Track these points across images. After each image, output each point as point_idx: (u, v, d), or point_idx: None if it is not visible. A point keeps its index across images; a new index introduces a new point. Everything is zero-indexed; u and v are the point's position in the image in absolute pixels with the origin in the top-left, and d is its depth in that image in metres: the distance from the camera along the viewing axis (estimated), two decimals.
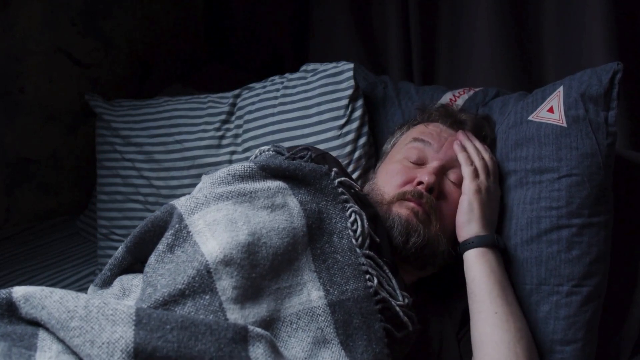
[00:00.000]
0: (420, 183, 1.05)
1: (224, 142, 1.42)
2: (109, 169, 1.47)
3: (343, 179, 1.00)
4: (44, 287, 0.72)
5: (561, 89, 1.12)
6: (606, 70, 1.08)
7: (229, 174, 0.95)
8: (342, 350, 0.80)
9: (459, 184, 1.09)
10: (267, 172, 0.96)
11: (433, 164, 1.08)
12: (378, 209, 1.05)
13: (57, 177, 1.72)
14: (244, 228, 0.85)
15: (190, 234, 0.85)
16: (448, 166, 1.10)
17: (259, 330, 0.74)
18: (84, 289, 1.39)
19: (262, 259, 0.83)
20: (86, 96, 1.54)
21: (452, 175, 1.09)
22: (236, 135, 1.42)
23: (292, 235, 0.88)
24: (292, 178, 0.96)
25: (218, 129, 1.42)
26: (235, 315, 0.77)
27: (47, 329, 0.71)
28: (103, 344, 0.66)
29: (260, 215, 0.89)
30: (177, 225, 0.86)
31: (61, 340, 0.70)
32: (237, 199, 0.90)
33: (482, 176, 1.07)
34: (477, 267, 1.00)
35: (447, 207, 1.06)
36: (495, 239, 1.03)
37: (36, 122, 1.64)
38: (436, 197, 1.06)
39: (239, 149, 1.40)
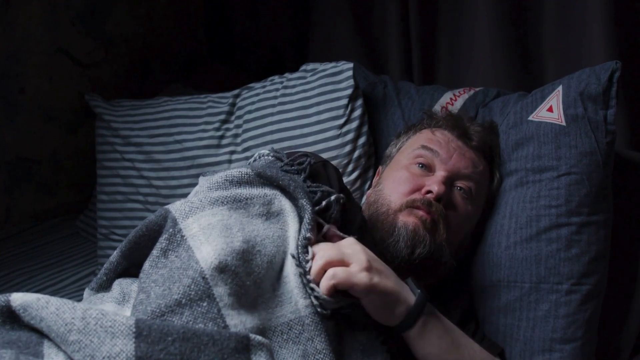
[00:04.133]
0: (428, 192, 1.03)
1: (224, 142, 1.42)
2: (109, 169, 1.47)
3: (322, 206, 0.93)
4: (40, 297, 0.70)
5: (560, 88, 1.12)
6: (605, 69, 1.08)
7: (227, 180, 0.93)
8: None
9: (466, 195, 1.08)
10: (263, 179, 0.95)
11: (442, 174, 1.06)
12: (383, 220, 1.03)
13: (57, 177, 1.73)
14: (239, 235, 0.83)
15: (184, 238, 0.83)
16: (455, 177, 1.08)
17: (260, 338, 0.73)
18: (83, 289, 1.39)
19: (257, 266, 0.82)
20: (86, 96, 1.55)
21: (459, 186, 1.08)
22: (236, 135, 1.42)
23: (288, 242, 0.87)
24: (283, 190, 0.95)
25: (218, 129, 1.42)
26: (234, 321, 0.75)
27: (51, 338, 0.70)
28: (103, 358, 0.65)
29: (254, 222, 0.87)
30: (171, 230, 0.84)
31: None
32: (233, 204, 0.88)
33: (366, 269, 0.84)
34: (425, 343, 0.88)
35: (454, 217, 1.05)
36: (422, 298, 0.86)
37: (36, 122, 1.64)
38: (444, 206, 1.04)
39: (239, 148, 1.40)
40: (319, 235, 0.90)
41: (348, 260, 0.83)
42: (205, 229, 0.83)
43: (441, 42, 1.67)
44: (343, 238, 0.90)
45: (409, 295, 0.86)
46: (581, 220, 1.03)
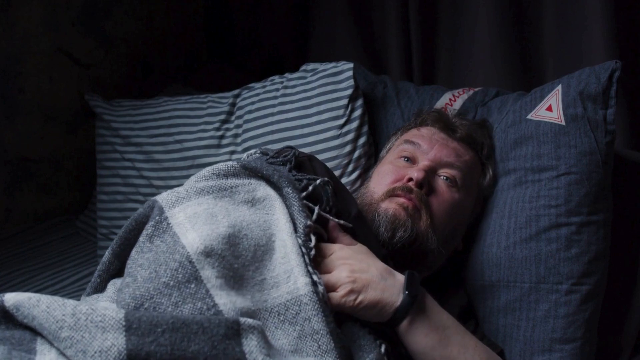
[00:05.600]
0: (410, 180, 1.05)
1: (224, 142, 1.42)
2: (109, 169, 1.47)
3: (309, 190, 0.95)
4: (31, 295, 0.71)
5: (559, 87, 1.12)
6: (604, 69, 1.08)
7: (213, 173, 0.95)
8: (332, 342, 0.78)
9: (451, 183, 1.09)
10: (249, 171, 0.96)
11: (424, 163, 1.09)
12: (367, 210, 1.05)
13: (57, 177, 1.73)
14: (224, 221, 0.85)
15: (170, 225, 0.84)
16: (438, 166, 1.10)
17: (250, 321, 0.73)
18: (83, 289, 1.39)
19: (244, 250, 0.83)
20: (86, 96, 1.55)
21: (443, 175, 1.09)
22: (236, 135, 1.42)
23: (276, 225, 0.88)
24: (267, 180, 0.96)
25: (218, 129, 1.43)
26: (223, 300, 0.75)
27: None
28: (95, 353, 0.65)
29: (240, 209, 0.89)
30: (157, 217, 0.85)
31: None
32: (218, 193, 0.90)
33: (352, 283, 0.86)
34: (411, 340, 0.88)
35: (437, 203, 1.06)
36: (408, 301, 0.86)
37: (36, 122, 1.64)
38: (427, 193, 1.05)
39: (239, 148, 1.40)
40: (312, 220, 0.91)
41: (334, 284, 0.85)
42: (191, 217, 0.85)
43: (441, 42, 1.67)
44: (343, 227, 0.93)
45: (397, 297, 0.87)
46: (581, 220, 1.03)
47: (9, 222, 1.64)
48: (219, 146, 1.41)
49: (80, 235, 1.64)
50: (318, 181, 0.96)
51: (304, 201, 0.92)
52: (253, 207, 0.90)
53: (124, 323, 0.68)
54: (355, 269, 0.87)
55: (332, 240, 0.93)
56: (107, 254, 0.90)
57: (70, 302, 0.70)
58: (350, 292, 0.84)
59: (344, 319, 0.85)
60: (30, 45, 1.59)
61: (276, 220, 0.89)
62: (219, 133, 1.42)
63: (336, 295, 0.84)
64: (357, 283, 0.85)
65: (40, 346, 0.69)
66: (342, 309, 0.84)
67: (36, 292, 1.33)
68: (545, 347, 1.01)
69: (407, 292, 0.87)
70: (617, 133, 1.09)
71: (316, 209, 0.92)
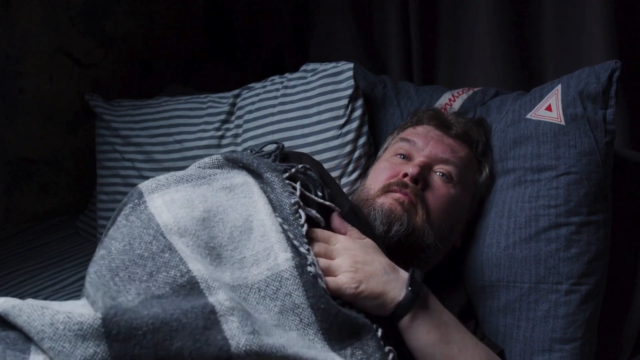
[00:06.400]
0: (405, 175, 1.06)
1: (224, 142, 1.42)
2: (109, 169, 1.47)
3: (292, 172, 0.96)
4: (15, 304, 0.71)
5: (559, 87, 1.12)
6: (604, 69, 1.08)
7: (199, 167, 0.97)
8: (313, 315, 0.79)
9: (446, 178, 1.09)
10: (231, 162, 0.98)
11: (419, 159, 1.10)
12: (363, 205, 1.06)
13: (57, 177, 1.73)
14: (200, 206, 0.86)
15: (148, 208, 0.86)
16: (434, 162, 1.11)
17: (227, 303, 0.72)
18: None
19: (220, 232, 0.84)
20: (86, 96, 1.55)
21: (438, 171, 1.10)
22: (236, 135, 1.42)
23: (254, 207, 0.89)
24: (247, 169, 0.97)
25: (218, 129, 1.43)
26: (197, 265, 0.76)
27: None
28: None
29: (218, 195, 0.90)
30: (136, 200, 0.88)
31: None
32: (197, 181, 0.92)
33: (353, 272, 0.87)
34: (412, 336, 0.88)
35: (433, 198, 1.06)
36: (410, 297, 0.87)
37: (36, 122, 1.64)
38: (422, 189, 1.06)
39: (239, 148, 1.40)
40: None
41: (335, 270, 0.86)
42: (168, 203, 0.86)
43: (441, 42, 1.68)
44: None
45: (400, 292, 0.87)
46: (580, 220, 1.03)
47: (9, 222, 1.64)
48: (219, 146, 1.41)
49: (80, 235, 1.63)
50: (300, 166, 0.97)
51: (287, 181, 0.93)
52: (231, 192, 0.91)
53: (102, 330, 0.67)
54: (359, 261, 0.87)
55: (340, 233, 0.94)
56: (97, 251, 0.90)
57: (50, 311, 0.69)
58: (353, 278, 0.84)
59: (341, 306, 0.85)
60: (30, 45, 1.59)
61: (254, 202, 0.90)
62: (219, 133, 1.42)
63: (336, 280, 0.84)
64: (359, 273, 0.85)
65: (35, 346, 0.69)
66: (342, 296, 0.84)
67: (36, 292, 1.34)
68: (545, 347, 1.01)
69: (409, 289, 0.87)
70: (617, 133, 1.09)
71: (297, 185, 0.93)
